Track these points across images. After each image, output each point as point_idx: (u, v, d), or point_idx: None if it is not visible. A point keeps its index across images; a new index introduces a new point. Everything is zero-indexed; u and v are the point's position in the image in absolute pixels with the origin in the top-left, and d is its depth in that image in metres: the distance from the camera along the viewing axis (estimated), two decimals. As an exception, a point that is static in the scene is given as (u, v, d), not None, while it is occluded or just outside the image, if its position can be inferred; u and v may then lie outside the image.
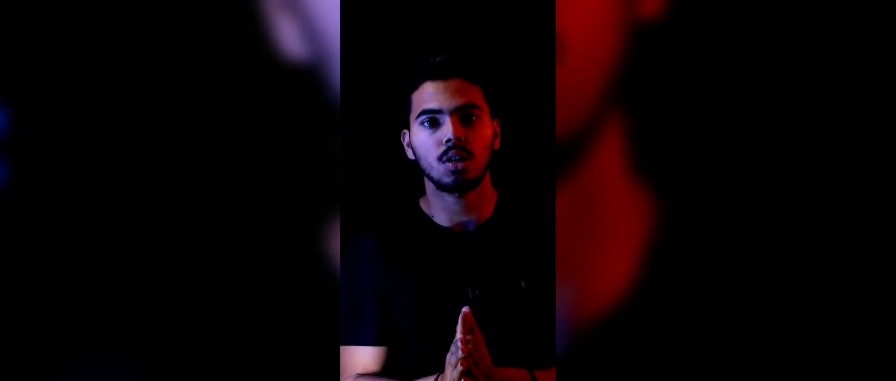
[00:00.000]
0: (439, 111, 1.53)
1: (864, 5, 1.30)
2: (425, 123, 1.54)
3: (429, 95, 1.54)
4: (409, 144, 1.59)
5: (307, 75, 1.35)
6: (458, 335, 1.42)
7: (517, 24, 1.82)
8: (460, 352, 1.40)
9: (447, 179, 1.53)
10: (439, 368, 1.48)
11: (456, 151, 1.51)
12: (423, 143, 1.54)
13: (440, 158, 1.53)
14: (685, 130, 1.33)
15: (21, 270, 1.34)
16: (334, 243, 1.40)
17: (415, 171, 1.60)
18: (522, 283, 1.55)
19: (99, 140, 1.35)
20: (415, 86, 1.56)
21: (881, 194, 1.30)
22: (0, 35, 1.34)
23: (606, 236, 1.35)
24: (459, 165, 1.52)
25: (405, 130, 1.60)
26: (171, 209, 1.35)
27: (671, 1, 1.32)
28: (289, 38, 1.35)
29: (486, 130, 1.55)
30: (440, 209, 1.59)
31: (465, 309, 1.43)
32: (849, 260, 1.30)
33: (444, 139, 1.52)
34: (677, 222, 1.33)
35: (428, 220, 1.60)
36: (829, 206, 1.30)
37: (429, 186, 1.58)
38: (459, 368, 1.40)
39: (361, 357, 1.58)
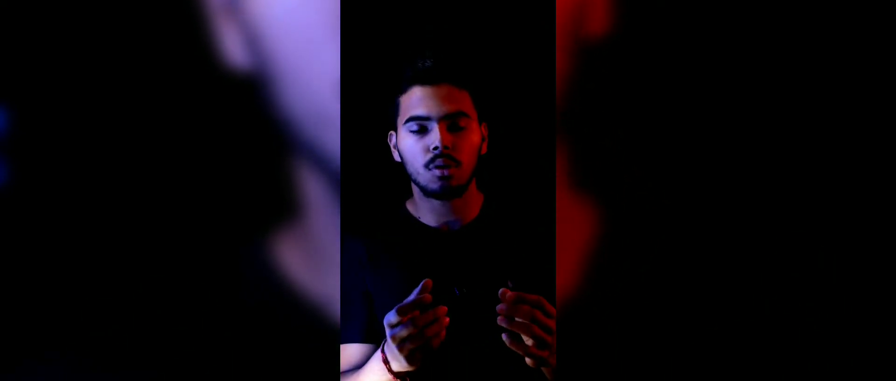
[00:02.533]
0: (427, 118, 1.54)
1: (806, 23, 1.34)
2: (413, 129, 1.55)
3: (417, 101, 1.55)
4: (396, 146, 1.60)
5: (251, 84, 1.35)
6: (412, 297, 1.35)
7: (507, 28, 1.85)
8: (393, 317, 1.32)
9: (433, 186, 1.55)
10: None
11: (443, 159, 1.53)
12: (411, 149, 1.56)
13: (426, 166, 1.54)
14: (626, 142, 1.36)
15: (21, 270, 1.34)
16: (333, 247, 1.42)
17: (402, 173, 1.62)
18: (509, 282, 1.57)
19: (99, 141, 1.35)
20: (402, 89, 1.57)
21: (832, 197, 1.35)
22: (0, 35, 1.34)
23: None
24: (446, 172, 1.53)
25: (392, 132, 1.61)
26: (172, 207, 1.36)
27: (616, 19, 1.35)
28: (232, 47, 1.35)
29: (474, 137, 1.57)
30: (427, 211, 1.61)
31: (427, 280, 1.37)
32: (793, 268, 1.34)
33: (432, 146, 1.53)
34: (618, 231, 1.36)
35: (414, 220, 1.62)
36: (763, 215, 1.35)
37: (415, 189, 1.61)
38: (399, 330, 1.33)
39: (348, 354, 1.59)
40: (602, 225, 1.35)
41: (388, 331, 1.35)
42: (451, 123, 1.54)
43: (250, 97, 1.33)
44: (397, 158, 1.61)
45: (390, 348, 1.37)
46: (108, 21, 1.35)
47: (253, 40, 1.31)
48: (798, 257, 1.33)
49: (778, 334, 1.32)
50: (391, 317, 1.34)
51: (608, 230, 1.34)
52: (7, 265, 1.34)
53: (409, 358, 1.35)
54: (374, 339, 1.60)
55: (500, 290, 1.35)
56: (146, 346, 1.35)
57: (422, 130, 1.55)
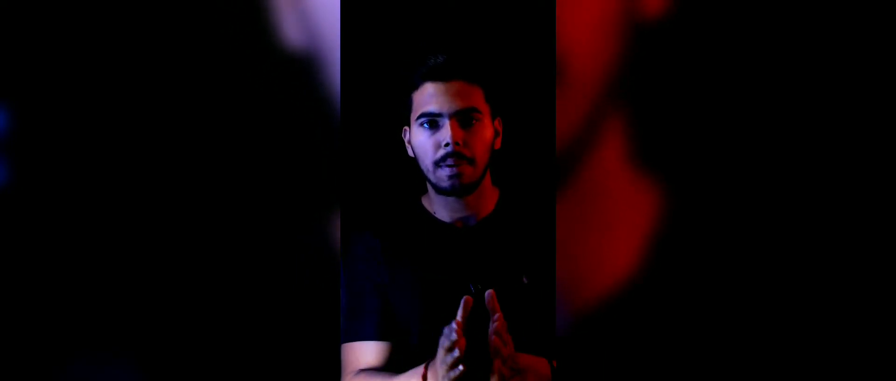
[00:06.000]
0: (439, 114, 1.53)
1: (863, 4, 1.30)
2: (424, 125, 1.54)
3: (429, 97, 1.54)
4: (410, 142, 1.59)
5: (304, 65, 1.35)
6: (457, 318, 1.39)
7: (518, 22, 1.82)
8: (454, 335, 1.38)
9: (444, 185, 1.54)
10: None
11: (453, 157, 1.52)
12: (422, 144, 1.55)
13: (437, 163, 1.53)
14: (686, 121, 1.33)
15: (21, 270, 1.34)
16: (334, 239, 1.41)
17: (416, 168, 1.60)
18: (524, 278, 1.55)
19: (99, 140, 1.35)
20: (415, 86, 1.56)
21: (879, 185, 1.30)
22: (0, 35, 1.34)
23: (608, 227, 1.35)
24: (456, 171, 1.52)
25: (406, 127, 1.60)
26: (171, 205, 1.35)
27: (673, 1, 1.32)
28: (288, 27, 1.35)
29: (486, 132, 1.55)
30: (441, 207, 1.60)
31: (468, 297, 1.41)
32: (849, 251, 1.30)
33: (443, 143, 1.52)
34: (679, 211, 1.33)
35: (429, 215, 1.61)
36: (829, 197, 1.31)
37: (430, 184, 1.59)
38: (455, 353, 1.38)
39: (363, 353, 1.57)
40: (666, 206, 1.32)
41: (445, 355, 1.39)
42: (462, 118, 1.53)
43: (305, 73, 1.34)
44: (411, 154, 1.59)
45: (438, 368, 1.40)
46: (105, 18, 1.35)
47: (305, 19, 1.34)
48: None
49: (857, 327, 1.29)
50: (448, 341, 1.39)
51: (672, 212, 1.32)
52: (7, 265, 1.34)
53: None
54: (389, 336, 1.58)
55: (488, 294, 1.40)
56: (145, 347, 1.35)
57: (433, 126, 1.54)
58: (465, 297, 1.40)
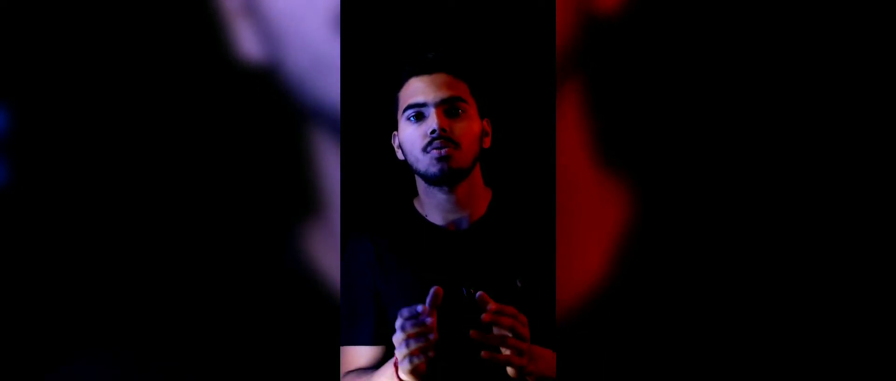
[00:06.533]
0: (424, 105, 1.54)
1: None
2: (411, 118, 1.55)
3: (414, 90, 1.55)
4: (400, 146, 1.60)
5: (264, 77, 1.36)
6: (421, 306, 1.36)
7: (515, 22, 1.83)
8: (426, 319, 1.34)
9: (433, 170, 1.53)
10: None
11: (440, 141, 1.52)
12: (409, 137, 1.55)
13: (425, 149, 1.53)
14: (653, 118, 1.34)
15: (21, 270, 1.34)
16: (332, 245, 1.41)
17: (408, 171, 1.61)
18: (518, 282, 1.56)
19: (100, 141, 1.35)
20: (401, 83, 1.58)
21: (851, 175, 1.32)
22: (0, 35, 1.34)
23: (575, 227, 1.36)
24: (444, 152, 1.52)
25: (395, 132, 1.61)
26: (172, 207, 1.36)
27: None
28: (246, 41, 1.36)
29: (473, 124, 1.56)
30: (433, 207, 1.60)
31: (435, 288, 1.38)
32: (821, 242, 1.32)
33: (429, 131, 1.53)
34: (650, 210, 1.34)
35: (421, 219, 1.61)
36: (799, 191, 1.32)
37: (420, 183, 1.59)
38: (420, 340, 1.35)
39: (358, 357, 1.58)
40: (635, 206, 1.33)
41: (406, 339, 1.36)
42: (448, 107, 1.54)
43: (265, 86, 1.34)
44: (401, 157, 1.60)
45: (398, 353, 1.38)
46: (104, 19, 1.35)
47: (266, 34, 1.33)
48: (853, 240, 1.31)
49: (818, 325, 1.31)
50: (396, 324, 1.36)
51: (642, 211, 1.33)
52: (7, 265, 1.34)
53: (412, 371, 1.37)
54: (385, 341, 1.59)
55: (478, 294, 1.38)
56: (144, 350, 1.35)
57: (419, 117, 1.55)
58: (434, 287, 1.38)
